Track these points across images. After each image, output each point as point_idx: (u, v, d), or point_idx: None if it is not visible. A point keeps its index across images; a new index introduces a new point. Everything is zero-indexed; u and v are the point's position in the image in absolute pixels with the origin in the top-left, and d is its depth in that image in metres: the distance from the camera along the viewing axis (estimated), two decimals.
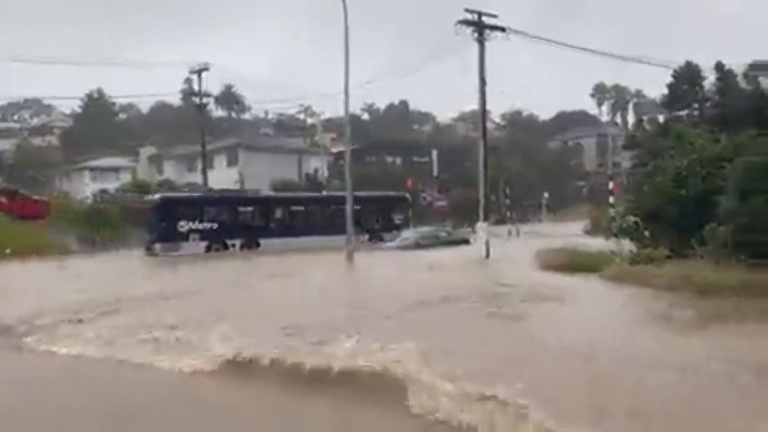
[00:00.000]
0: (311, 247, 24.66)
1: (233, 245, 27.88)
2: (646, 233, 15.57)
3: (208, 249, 27.25)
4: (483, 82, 22.74)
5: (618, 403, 5.44)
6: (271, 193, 36.60)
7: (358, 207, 30.96)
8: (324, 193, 36.55)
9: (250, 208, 29.97)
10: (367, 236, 29.10)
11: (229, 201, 30.16)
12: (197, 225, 27.65)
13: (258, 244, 28.10)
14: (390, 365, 6.57)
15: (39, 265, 22.60)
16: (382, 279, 16.01)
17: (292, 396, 6.54)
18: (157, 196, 30.29)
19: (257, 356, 7.35)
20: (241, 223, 28.95)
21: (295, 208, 30.89)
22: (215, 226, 27.98)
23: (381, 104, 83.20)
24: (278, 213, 30.49)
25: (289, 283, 15.35)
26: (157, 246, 26.70)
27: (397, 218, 32.76)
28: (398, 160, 58.67)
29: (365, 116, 78.42)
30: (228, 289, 14.31)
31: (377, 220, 31.61)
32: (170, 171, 53.38)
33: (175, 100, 63.29)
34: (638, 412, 5.24)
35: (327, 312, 10.07)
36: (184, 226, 27.35)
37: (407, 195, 35.56)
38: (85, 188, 49.15)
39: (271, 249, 26.31)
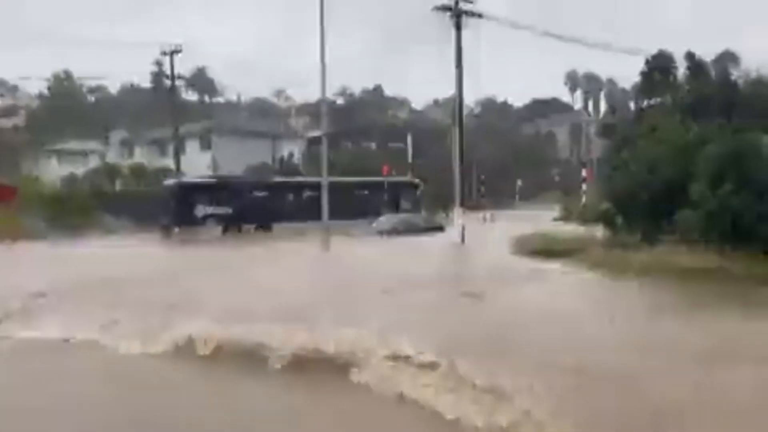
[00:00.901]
0: (320, 230, 24.40)
1: (248, 229, 28.41)
2: (619, 219, 15.88)
3: (225, 231, 27.79)
4: (460, 68, 22.76)
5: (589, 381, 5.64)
6: (285, 179, 36.23)
7: (368, 192, 31.09)
8: (299, 178, 36.35)
9: (264, 193, 30.34)
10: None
11: (244, 186, 30.75)
12: (214, 209, 28.32)
13: (270, 228, 28.49)
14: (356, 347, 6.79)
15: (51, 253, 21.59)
16: (357, 266, 15.97)
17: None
18: (171, 181, 30.68)
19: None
20: (255, 208, 29.25)
21: (307, 193, 30.26)
22: (230, 210, 28.55)
23: (356, 89, 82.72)
24: (291, 197, 30.69)
25: (267, 269, 15.31)
26: (176, 230, 27.30)
27: (405, 203, 32.63)
28: (373, 145, 58.46)
29: (340, 100, 77.88)
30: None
31: (387, 206, 31.24)
32: (141, 155, 52.36)
33: (145, 81, 62.05)
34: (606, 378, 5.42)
35: (301, 299, 10.09)
36: (201, 210, 28.07)
37: (418, 180, 35.34)
38: (53, 172, 47.93)
39: (284, 232, 26.66)
